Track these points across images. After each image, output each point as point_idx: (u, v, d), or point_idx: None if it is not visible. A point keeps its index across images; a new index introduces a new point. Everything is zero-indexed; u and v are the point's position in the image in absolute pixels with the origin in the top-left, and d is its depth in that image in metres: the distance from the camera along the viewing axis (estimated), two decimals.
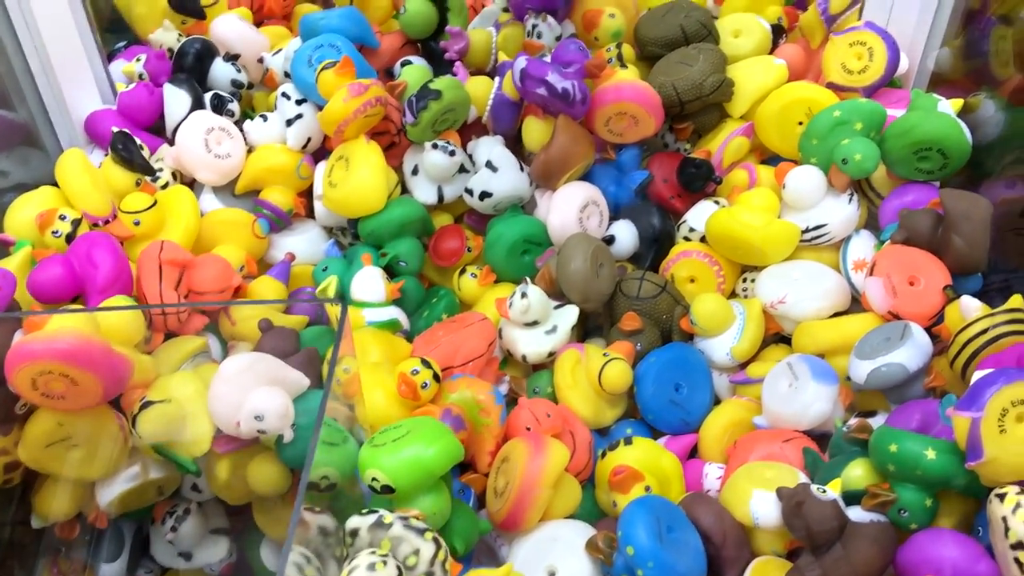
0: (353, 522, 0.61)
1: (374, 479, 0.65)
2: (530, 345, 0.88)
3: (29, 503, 0.78)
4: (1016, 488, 0.61)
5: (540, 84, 0.89)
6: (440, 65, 1.02)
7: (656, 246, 0.98)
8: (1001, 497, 0.61)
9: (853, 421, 0.75)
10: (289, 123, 0.97)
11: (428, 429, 0.67)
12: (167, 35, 1.06)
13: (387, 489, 0.65)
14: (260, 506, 0.83)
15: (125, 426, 0.74)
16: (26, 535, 0.80)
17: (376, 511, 0.62)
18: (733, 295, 0.95)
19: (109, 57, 1.04)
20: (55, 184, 0.88)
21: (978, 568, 0.63)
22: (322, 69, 0.91)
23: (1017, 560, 0.59)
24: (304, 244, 0.99)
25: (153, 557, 0.85)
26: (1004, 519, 0.60)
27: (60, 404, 0.69)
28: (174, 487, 0.81)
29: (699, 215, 0.96)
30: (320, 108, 0.94)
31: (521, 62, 0.90)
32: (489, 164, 0.95)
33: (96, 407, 0.72)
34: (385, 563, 0.58)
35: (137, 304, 0.79)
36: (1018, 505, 0.60)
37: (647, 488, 0.76)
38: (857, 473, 0.70)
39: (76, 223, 0.84)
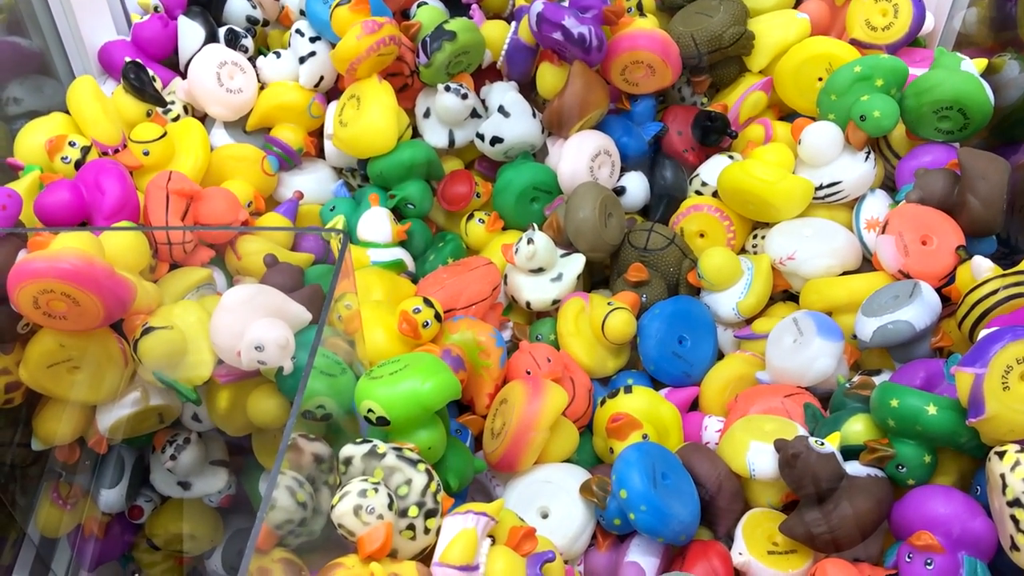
0: (347, 450, 0.62)
1: (370, 410, 0.65)
2: (535, 292, 0.88)
3: (30, 426, 0.79)
4: (1016, 446, 0.61)
5: (556, 28, 0.87)
6: (456, 8, 1.01)
7: (667, 199, 0.97)
8: (1000, 455, 0.61)
9: (856, 378, 0.74)
10: (302, 60, 0.96)
11: (426, 364, 0.67)
12: None
13: (382, 421, 0.65)
14: (260, 439, 0.84)
15: (127, 350, 0.75)
16: (27, 458, 0.81)
17: (371, 441, 0.62)
18: (743, 251, 0.94)
19: None
20: (67, 112, 0.87)
21: (974, 525, 0.63)
22: (336, 5, 0.90)
23: (1013, 517, 0.59)
24: (313, 183, 0.99)
25: (153, 485, 0.86)
26: (1002, 476, 0.60)
27: (61, 324, 0.69)
28: (175, 415, 0.81)
29: (712, 169, 0.95)
30: (334, 46, 0.93)
31: (538, 5, 0.88)
32: (501, 109, 0.94)
33: (98, 330, 0.72)
34: (376, 490, 0.58)
35: (142, 227, 0.79)
36: (1017, 463, 0.60)
37: (644, 436, 0.76)
38: (857, 428, 0.70)
39: (85, 150, 0.84)
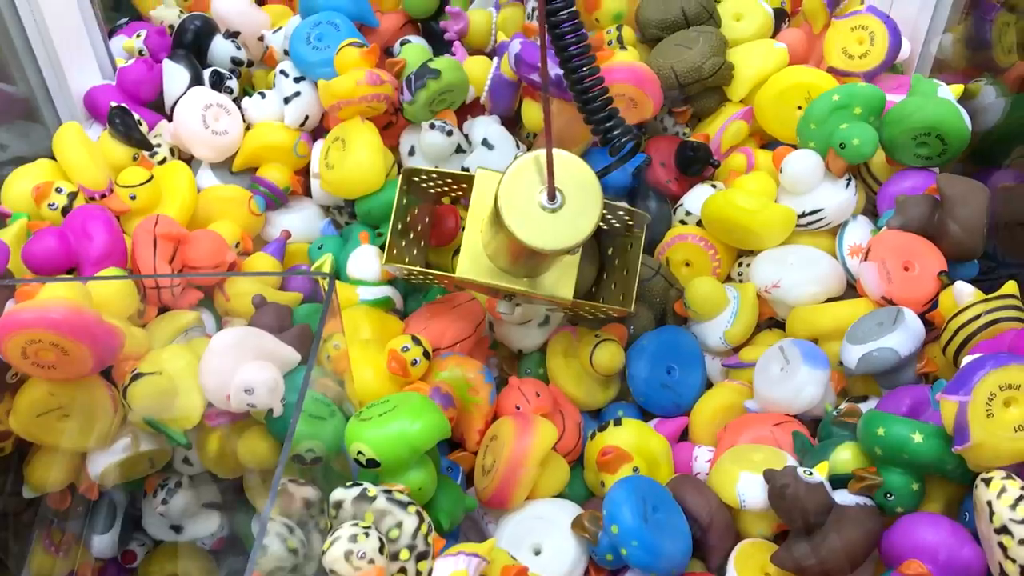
0: (337, 494, 0.62)
1: (359, 452, 0.65)
2: (524, 340, 0.88)
3: (21, 473, 0.78)
4: (1002, 473, 0.61)
5: (533, 70, 0.89)
6: (439, 45, 1.02)
7: (652, 229, 0.97)
8: (987, 482, 0.61)
9: (844, 405, 0.75)
10: (287, 100, 0.97)
11: (414, 404, 0.67)
12: (168, 11, 1.06)
13: (372, 463, 0.65)
14: (251, 481, 0.84)
15: (116, 397, 0.75)
16: (19, 505, 0.80)
17: (361, 484, 0.62)
18: (729, 279, 0.95)
19: (110, 33, 1.05)
20: (53, 158, 0.88)
21: (963, 552, 0.63)
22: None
23: (1001, 544, 0.59)
24: (300, 222, 0.99)
25: (145, 530, 0.85)
26: (989, 503, 0.60)
27: (51, 373, 0.69)
28: (165, 460, 0.81)
29: (696, 199, 0.95)
30: (318, 86, 0.93)
31: (515, 46, 0.89)
32: (485, 142, 0.95)
33: (87, 378, 0.72)
34: (367, 534, 0.58)
35: (130, 274, 0.80)
36: (1003, 490, 0.60)
37: (635, 469, 0.76)
38: (845, 456, 0.70)
39: (72, 196, 0.84)
